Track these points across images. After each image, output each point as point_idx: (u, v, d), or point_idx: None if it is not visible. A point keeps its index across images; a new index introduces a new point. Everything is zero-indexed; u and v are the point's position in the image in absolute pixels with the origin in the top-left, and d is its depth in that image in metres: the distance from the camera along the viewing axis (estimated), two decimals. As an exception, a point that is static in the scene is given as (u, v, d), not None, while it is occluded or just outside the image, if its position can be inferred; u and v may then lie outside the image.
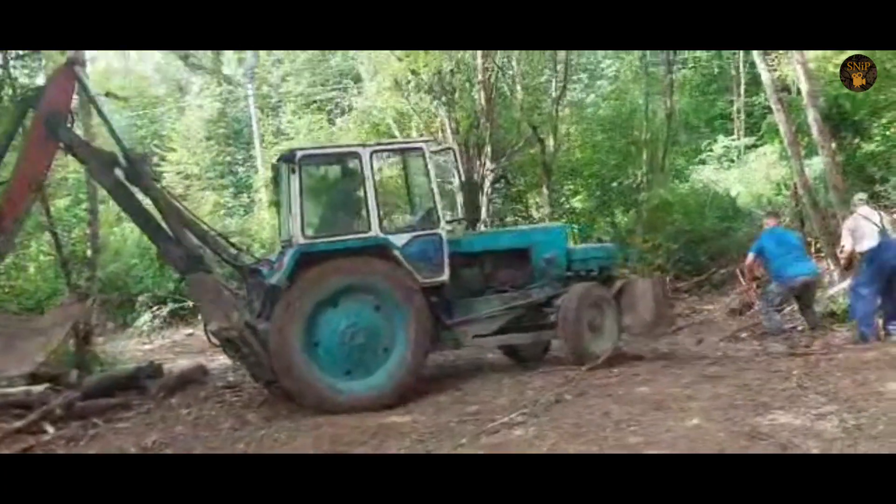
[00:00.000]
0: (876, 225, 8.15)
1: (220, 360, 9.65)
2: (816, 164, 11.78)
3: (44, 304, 11.71)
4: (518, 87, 17.47)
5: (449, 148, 10.30)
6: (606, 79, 21.99)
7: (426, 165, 7.74)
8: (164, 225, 7.34)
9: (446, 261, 7.52)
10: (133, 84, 29.23)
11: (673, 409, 5.74)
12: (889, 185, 12.23)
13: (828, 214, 11.04)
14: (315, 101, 25.15)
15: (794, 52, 10.74)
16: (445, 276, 7.51)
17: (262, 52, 25.30)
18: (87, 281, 10.80)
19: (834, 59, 11.62)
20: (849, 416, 5.16)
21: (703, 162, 16.57)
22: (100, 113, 7.78)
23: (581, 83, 21.57)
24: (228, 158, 26.89)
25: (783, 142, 11.79)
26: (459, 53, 15.66)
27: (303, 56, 25.71)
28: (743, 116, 17.18)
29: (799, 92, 11.39)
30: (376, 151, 7.73)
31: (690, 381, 6.70)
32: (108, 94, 8.70)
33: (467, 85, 16.56)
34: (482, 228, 13.35)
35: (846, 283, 9.10)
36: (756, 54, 11.38)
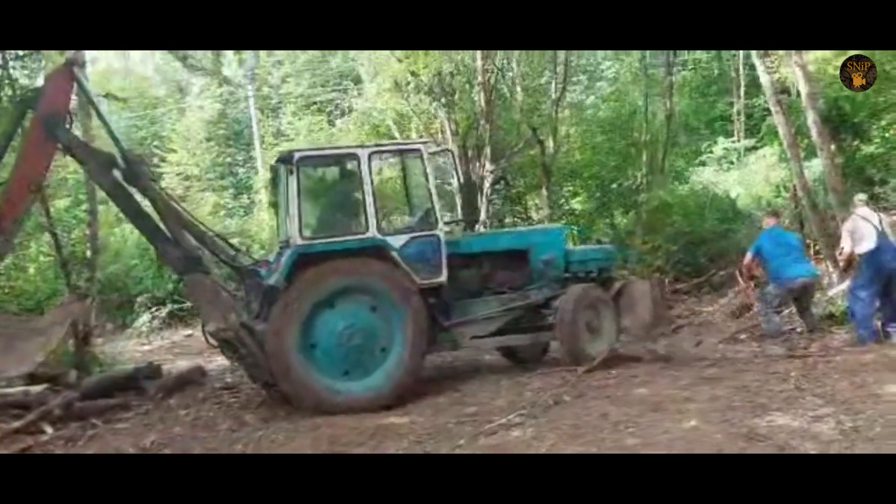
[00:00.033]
0: (875, 227, 8.15)
1: (219, 362, 9.66)
2: (816, 166, 11.77)
3: (44, 305, 11.72)
4: (518, 89, 17.48)
5: (447, 149, 10.32)
6: (606, 80, 21.97)
7: (424, 167, 7.75)
8: (162, 226, 7.35)
9: (444, 262, 7.52)
10: (133, 85, 29.28)
11: (671, 411, 5.74)
12: (888, 187, 12.21)
13: (827, 216, 11.03)
14: (315, 103, 25.18)
15: (793, 54, 10.74)
16: (443, 278, 7.52)
17: (263, 54, 25.31)
18: (86, 282, 10.82)
19: (834, 62, 11.61)
20: (846, 418, 5.16)
21: (702, 164, 16.54)
22: (98, 114, 7.80)
23: (581, 85, 21.58)
24: (228, 159, 26.90)
25: (782, 144, 11.79)
26: (459, 55, 15.69)
27: (303, 57, 25.73)
28: (743, 118, 17.15)
29: (798, 94, 11.38)
30: (374, 153, 7.74)
31: (688, 383, 6.70)
32: (107, 96, 8.74)
33: (467, 86, 16.58)
34: (481, 229, 13.39)
35: (845, 285, 9.10)
36: (755, 56, 11.39)
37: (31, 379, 7.44)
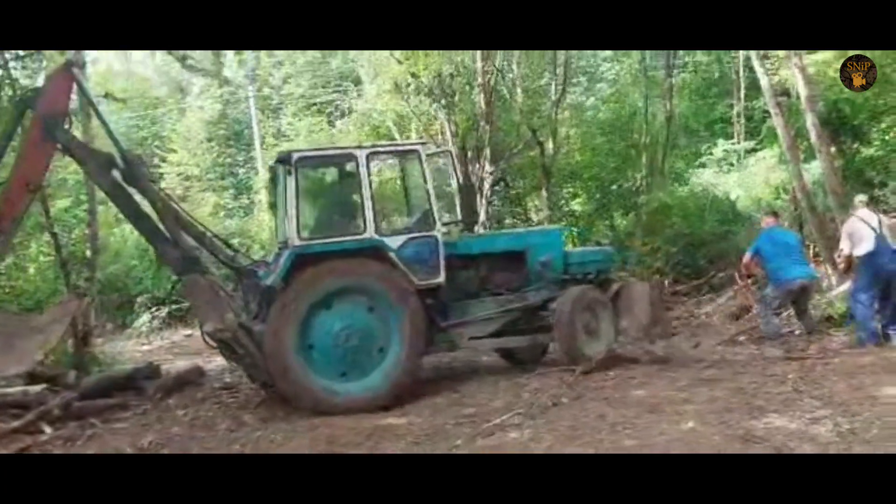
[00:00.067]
0: (873, 229, 8.15)
1: (218, 362, 9.66)
2: (815, 169, 11.79)
3: (43, 305, 11.70)
4: (518, 90, 17.49)
5: (446, 150, 10.32)
6: (606, 82, 21.98)
7: (422, 168, 7.75)
8: (161, 226, 7.36)
9: (442, 263, 7.53)
10: (134, 85, 29.29)
11: (668, 413, 5.74)
12: (888, 189, 12.23)
13: (826, 219, 11.04)
14: (315, 104, 25.20)
15: (793, 56, 10.75)
16: (441, 279, 7.52)
17: (263, 54, 25.35)
18: (86, 282, 10.84)
19: (833, 64, 11.61)
20: (843, 419, 5.16)
21: (702, 165, 16.57)
22: (97, 114, 7.81)
23: (581, 86, 21.58)
24: (229, 160, 26.92)
25: (782, 146, 11.80)
26: (459, 56, 15.69)
27: (303, 58, 25.75)
28: (743, 120, 17.18)
29: (798, 96, 11.39)
30: (372, 154, 7.74)
31: (686, 385, 6.70)
32: (106, 96, 8.76)
33: (467, 88, 16.58)
34: (480, 231, 13.39)
35: (844, 287, 9.10)
36: (755, 58, 11.40)
37: (30, 378, 7.46)
